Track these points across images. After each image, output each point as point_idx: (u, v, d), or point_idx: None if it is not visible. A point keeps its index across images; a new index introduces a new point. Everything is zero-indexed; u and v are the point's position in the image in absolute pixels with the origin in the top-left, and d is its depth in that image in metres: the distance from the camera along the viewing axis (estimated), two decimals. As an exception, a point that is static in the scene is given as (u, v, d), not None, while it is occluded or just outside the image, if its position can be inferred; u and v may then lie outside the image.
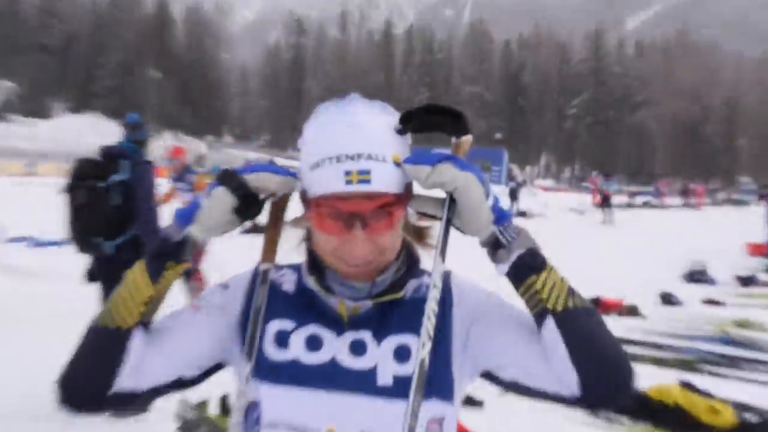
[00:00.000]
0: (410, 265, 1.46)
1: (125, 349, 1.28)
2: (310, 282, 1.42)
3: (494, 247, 1.29)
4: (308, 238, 1.48)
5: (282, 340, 1.38)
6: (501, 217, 1.29)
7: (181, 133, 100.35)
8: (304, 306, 1.42)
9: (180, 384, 1.38)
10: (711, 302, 10.25)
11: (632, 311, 9.03)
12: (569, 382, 1.22)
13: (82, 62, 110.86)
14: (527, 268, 1.27)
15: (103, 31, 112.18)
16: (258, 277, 1.44)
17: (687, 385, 5.43)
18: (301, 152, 1.38)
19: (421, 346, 1.24)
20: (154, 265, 1.32)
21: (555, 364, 1.24)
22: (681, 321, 8.79)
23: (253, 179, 1.33)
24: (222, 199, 1.31)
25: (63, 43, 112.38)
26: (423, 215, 1.38)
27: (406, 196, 1.35)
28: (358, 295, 1.39)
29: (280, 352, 1.36)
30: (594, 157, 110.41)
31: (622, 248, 17.55)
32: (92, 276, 5.26)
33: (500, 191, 29.95)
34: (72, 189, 5.23)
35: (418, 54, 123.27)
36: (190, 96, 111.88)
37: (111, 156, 5.34)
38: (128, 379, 1.29)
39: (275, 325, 1.40)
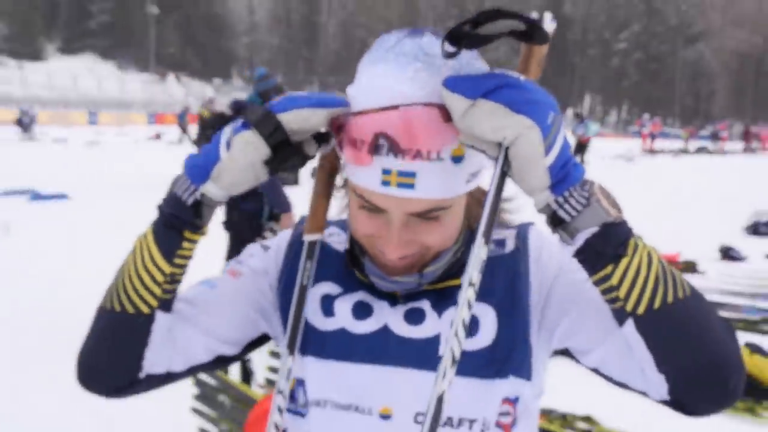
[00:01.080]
0: (472, 242, 1.15)
1: (148, 333, 1.18)
2: (356, 272, 1.30)
3: (553, 221, 1.02)
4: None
5: (327, 307, 1.26)
6: (563, 180, 0.99)
7: (186, 76, 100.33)
8: (352, 273, 1.29)
9: (221, 361, 1.31)
10: (777, 257, 10.22)
11: (689, 267, 9.01)
12: (657, 386, 1.06)
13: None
14: (597, 257, 1.00)
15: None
16: (300, 246, 1.30)
17: (753, 348, 5.48)
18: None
19: (448, 352, 1.02)
20: (167, 239, 1.16)
21: (640, 365, 1.07)
22: (743, 277, 8.79)
23: (293, 119, 1.08)
24: (250, 149, 1.09)
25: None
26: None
27: (471, 185, 1.16)
28: (406, 288, 1.23)
29: (326, 320, 1.25)
30: (644, 97, 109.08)
31: (677, 199, 17.51)
32: (228, 226, 5.80)
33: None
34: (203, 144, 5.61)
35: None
36: (193, 34, 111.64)
37: (240, 111, 5.68)
38: (162, 360, 1.22)
39: (321, 289, 1.29)
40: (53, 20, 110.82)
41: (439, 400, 1.01)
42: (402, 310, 1.21)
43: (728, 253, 10.07)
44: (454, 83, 0.98)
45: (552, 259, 1.26)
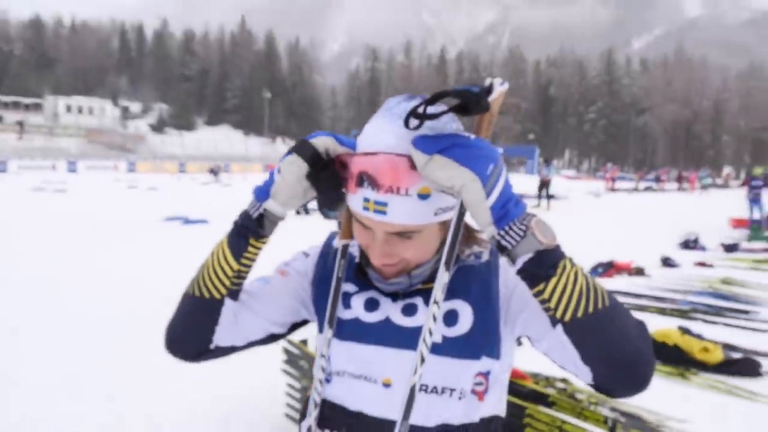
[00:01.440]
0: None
1: (218, 315, 1.16)
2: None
3: (499, 248, 0.95)
4: None
5: (347, 301, 1.21)
6: (503, 217, 0.93)
7: (288, 138, 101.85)
8: (365, 275, 1.22)
9: (272, 338, 1.28)
10: (702, 264, 10.03)
11: (639, 271, 8.92)
12: (584, 374, 0.99)
13: (214, 87, 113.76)
14: (532, 276, 0.94)
15: (227, 63, 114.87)
16: (329, 249, 1.29)
17: (684, 330, 5.37)
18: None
19: (419, 361, 1.00)
20: (236, 243, 1.13)
21: (571, 358, 1.00)
22: (678, 279, 8.61)
23: (320, 143, 1.07)
24: (293, 167, 1.07)
25: (199, 74, 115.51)
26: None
27: (439, 218, 1.07)
28: (399, 289, 1.16)
29: (345, 311, 1.20)
30: (607, 152, 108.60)
31: (631, 222, 17.21)
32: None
33: (530, 180, 29.73)
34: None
35: (467, 73, 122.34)
36: (294, 110, 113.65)
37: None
38: (227, 336, 1.19)
39: (343, 288, 1.23)
40: (201, 103, 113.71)
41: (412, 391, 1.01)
42: (400, 305, 1.16)
43: (667, 262, 9.89)
44: (418, 141, 0.94)
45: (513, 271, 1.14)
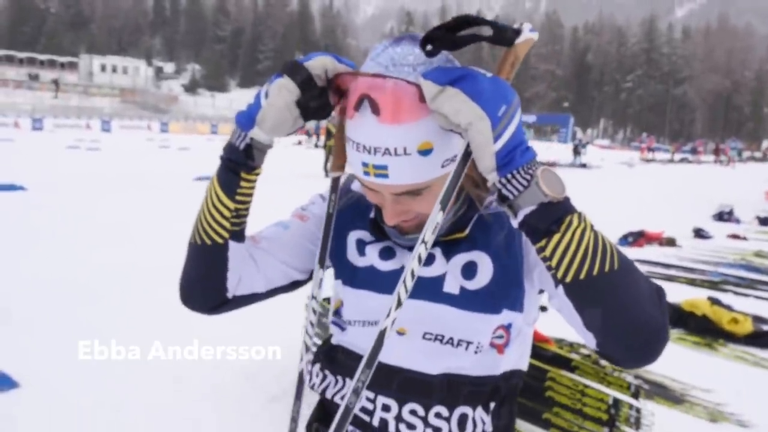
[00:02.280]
0: (471, 203, 1.09)
1: (224, 260, 1.07)
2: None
3: (500, 198, 0.86)
4: None
5: (361, 248, 1.15)
6: (507, 164, 0.83)
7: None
8: (381, 230, 1.14)
9: (294, 285, 1.23)
10: (734, 237, 9.85)
11: (670, 242, 8.77)
12: (588, 340, 0.92)
13: (246, 49, 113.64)
14: (533, 231, 0.85)
15: (260, 24, 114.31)
16: (346, 193, 1.22)
17: (714, 300, 5.29)
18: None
19: (394, 306, 0.90)
20: (227, 179, 1.03)
21: (575, 320, 0.92)
22: (710, 251, 8.48)
23: (315, 65, 0.94)
24: (283, 92, 0.94)
25: (232, 35, 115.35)
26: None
27: (448, 169, 0.96)
28: (415, 242, 1.02)
29: (359, 258, 1.14)
30: (643, 122, 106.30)
31: (664, 193, 16.87)
32: None
33: (565, 148, 29.27)
34: None
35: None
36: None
37: None
38: (247, 283, 1.13)
39: (356, 235, 1.17)
40: (234, 64, 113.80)
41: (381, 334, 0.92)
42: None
43: (699, 233, 9.72)
44: (429, 72, 0.84)
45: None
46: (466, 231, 1.08)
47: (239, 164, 1.02)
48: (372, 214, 1.17)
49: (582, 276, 0.84)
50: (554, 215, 0.83)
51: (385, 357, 1.07)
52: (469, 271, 1.06)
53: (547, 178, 0.83)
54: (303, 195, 1.25)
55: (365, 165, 0.95)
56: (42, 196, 10.25)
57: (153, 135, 38.04)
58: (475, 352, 1.06)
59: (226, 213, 1.04)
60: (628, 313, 0.86)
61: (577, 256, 0.83)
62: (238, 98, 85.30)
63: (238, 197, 1.04)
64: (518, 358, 1.14)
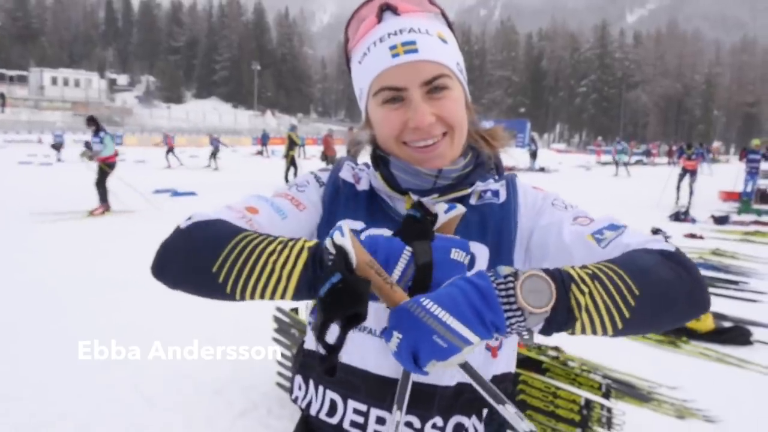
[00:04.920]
0: (477, 165, 1.10)
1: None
2: (378, 181, 1.10)
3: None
4: (372, 140, 1.13)
5: None
6: (496, 330, 0.79)
7: (278, 111, 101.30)
8: (374, 208, 1.11)
9: None
10: (692, 236, 10.12)
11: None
12: None
13: (202, 59, 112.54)
14: (557, 331, 0.82)
15: (215, 34, 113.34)
16: (338, 182, 1.16)
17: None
18: (351, 57, 1.09)
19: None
20: (303, 295, 0.86)
21: None
22: (669, 251, 8.65)
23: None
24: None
25: (187, 46, 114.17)
26: None
27: (460, 77, 1.05)
28: (423, 185, 1.05)
29: None
30: (598, 126, 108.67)
31: (621, 194, 17.28)
32: None
33: (523, 152, 29.71)
34: None
35: (459, 44, 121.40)
36: (284, 83, 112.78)
37: None
38: None
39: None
40: (189, 75, 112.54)
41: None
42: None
43: (657, 233, 9.91)
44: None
45: (535, 202, 1.11)
46: (469, 189, 1.09)
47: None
48: (367, 186, 1.14)
49: (620, 325, 0.82)
50: (563, 314, 0.80)
51: (377, 368, 1.02)
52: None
53: (532, 298, 0.78)
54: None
55: (393, 48, 0.97)
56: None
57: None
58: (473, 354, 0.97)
59: (275, 298, 0.87)
60: (673, 314, 0.87)
61: (604, 319, 0.81)
62: (194, 109, 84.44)
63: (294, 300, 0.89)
64: (508, 361, 1.10)
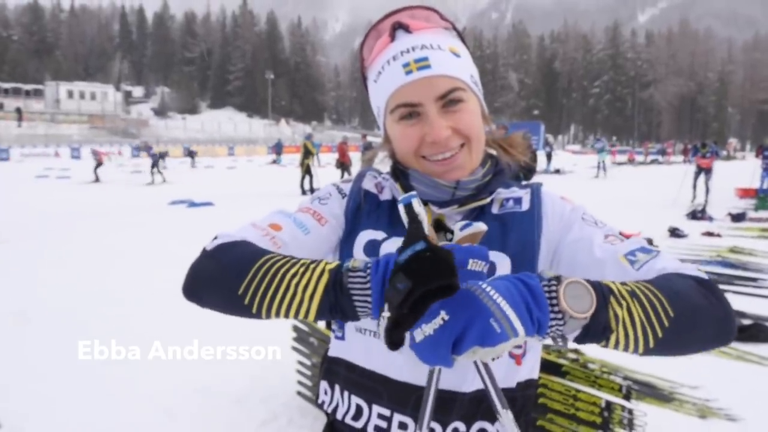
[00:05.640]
0: (497, 173, 1.11)
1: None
2: (399, 192, 1.09)
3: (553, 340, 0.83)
4: (392, 155, 1.14)
5: (371, 251, 1.06)
6: (538, 330, 0.79)
7: (292, 119, 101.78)
8: (395, 217, 1.08)
9: None
10: (709, 234, 10.02)
11: (648, 242, 8.82)
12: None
13: (216, 70, 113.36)
14: (593, 341, 0.82)
15: (229, 45, 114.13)
16: (359, 194, 1.15)
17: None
18: (368, 77, 1.10)
19: None
20: (327, 316, 0.87)
21: None
22: (686, 249, 8.61)
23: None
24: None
25: (201, 57, 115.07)
26: None
27: (475, 89, 1.06)
28: (442, 196, 1.05)
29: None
30: (612, 126, 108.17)
31: (637, 194, 17.15)
32: None
33: (539, 154, 29.64)
34: None
35: (471, 49, 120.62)
36: (297, 91, 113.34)
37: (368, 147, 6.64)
38: None
39: (367, 235, 1.09)
40: (204, 85, 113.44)
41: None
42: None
43: (675, 232, 9.88)
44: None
45: (562, 215, 1.09)
46: (489, 198, 1.09)
47: (348, 317, 0.86)
48: (390, 196, 1.14)
49: (651, 344, 0.82)
50: (600, 324, 0.80)
51: (399, 375, 1.03)
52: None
53: (574, 302, 0.79)
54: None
55: (406, 65, 0.99)
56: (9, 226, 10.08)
57: (124, 160, 37.64)
58: (492, 359, 0.93)
59: (299, 317, 0.88)
60: (702, 340, 0.88)
61: (638, 334, 0.81)
62: (209, 119, 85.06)
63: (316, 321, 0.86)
64: (532, 367, 1.10)
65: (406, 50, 1.01)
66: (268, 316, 0.89)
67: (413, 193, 0.86)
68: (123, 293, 6.05)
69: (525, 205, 1.09)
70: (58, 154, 43.03)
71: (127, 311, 5.45)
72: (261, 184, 19.95)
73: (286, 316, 0.88)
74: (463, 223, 0.91)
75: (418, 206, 0.83)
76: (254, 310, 0.88)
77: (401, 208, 0.85)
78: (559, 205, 1.11)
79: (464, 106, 1.02)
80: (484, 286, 0.77)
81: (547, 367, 3.24)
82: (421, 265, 0.76)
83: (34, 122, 65.58)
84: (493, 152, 1.14)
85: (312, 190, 16.56)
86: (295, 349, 3.76)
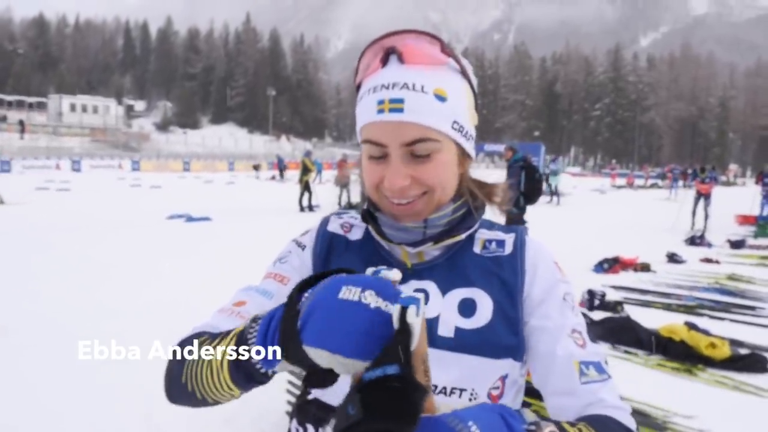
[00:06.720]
0: (473, 208, 1.06)
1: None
2: (371, 229, 1.07)
3: None
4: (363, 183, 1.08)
5: None
6: None
7: (293, 136, 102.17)
8: (370, 254, 1.07)
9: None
10: (708, 260, 10.01)
11: (645, 267, 8.87)
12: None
13: (218, 85, 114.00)
14: None
15: (232, 61, 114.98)
16: (326, 234, 1.12)
17: (690, 325, 5.34)
18: (358, 92, 1.05)
19: None
20: (242, 384, 0.81)
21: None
22: (684, 275, 8.59)
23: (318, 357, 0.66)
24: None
25: (203, 72, 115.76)
26: None
27: (456, 136, 0.98)
28: (414, 238, 1.01)
29: None
30: (613, 149, 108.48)
31: (637, 218, 17.13)
32: None
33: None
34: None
35: (474, 71, 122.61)
36: (299, 108, 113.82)
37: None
38: None
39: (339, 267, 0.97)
40: (205, 101, 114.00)
41: None
42: (411, 289, 0.99)
43: (673, 258, 9.85)
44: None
45: (545, 279, 1.03)
46: (463, 235, 1.03)
47: (255, 380, 0.81)
48: (360, 235, 1.11)
49: None
50: None
51: None
52: (466, 308, 0.97)
53: None
54: (282, 232, 1.18)
55: (380, 103, 0.94)
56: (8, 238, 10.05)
57: (124, 174, 37.77)
58: (469, 400, 0.94)
59: (236, 394, 0.84)
60: None
61: None
62: (210, 134, 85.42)
63: (249, 387, 0.83)
64: (511, 403, 1.02)
65: (387, 85, 0.94)
66: (215, 401, 0.86)
67: (418, 296, 0.65)
68: (117, 306, 6.02)
69: (508, 249, 1.05)
70: (59, 166, 43.08)
71: (122, 325, 5.42)
72: (259, 201, 19.96)
73: (222, 394, 0.83)
74: (374, 269, 0.73)
75: (413, 317, 0.63)
76: (201, 398, 0.86)
77: (397, 308, 0.64)
78: (550, 269, 1.05)
79: (433, 157, 0.96)
80: (468, 423, 0.63)
81: (539, 393, 3.22)
82: (380, 398, 0.60)
83: (36, 135, 65.80)
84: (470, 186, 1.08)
85: (311, 208, 16.68)
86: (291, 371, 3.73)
